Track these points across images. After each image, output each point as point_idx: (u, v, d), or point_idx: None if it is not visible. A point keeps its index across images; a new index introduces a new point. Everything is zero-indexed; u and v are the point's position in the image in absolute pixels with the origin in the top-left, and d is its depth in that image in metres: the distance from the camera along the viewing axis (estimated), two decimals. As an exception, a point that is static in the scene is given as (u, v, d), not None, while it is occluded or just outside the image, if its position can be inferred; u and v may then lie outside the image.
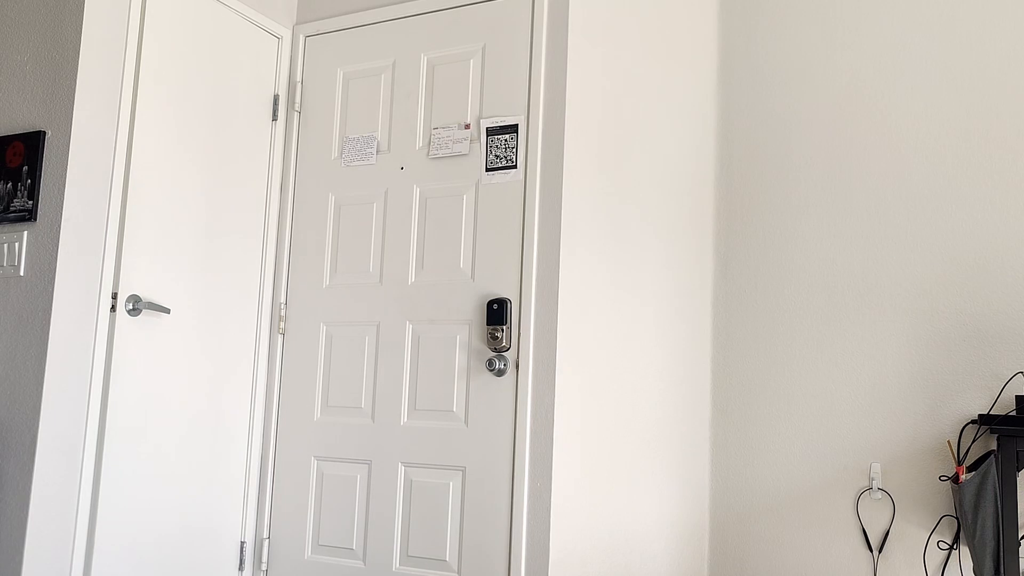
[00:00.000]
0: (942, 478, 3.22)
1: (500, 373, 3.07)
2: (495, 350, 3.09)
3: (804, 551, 3.44)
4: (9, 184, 3.04)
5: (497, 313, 3.09)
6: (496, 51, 3.28)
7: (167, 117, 3.29)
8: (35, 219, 2.97)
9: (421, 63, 3.44)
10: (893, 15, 3.55)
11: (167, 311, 3.22)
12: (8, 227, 3.03)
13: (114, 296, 3.08)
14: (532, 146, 3.15)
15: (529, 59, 3.22)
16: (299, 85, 3.72)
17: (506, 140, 3.18)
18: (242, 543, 3.49)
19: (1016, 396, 3.01)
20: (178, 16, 3.34)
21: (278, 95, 3.70)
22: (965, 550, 3.17)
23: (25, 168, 3.01)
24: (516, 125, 3.18)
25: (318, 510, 3.42)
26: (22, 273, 2.97)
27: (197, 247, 3.37)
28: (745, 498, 3.56)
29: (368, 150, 3.53)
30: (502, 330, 3.07)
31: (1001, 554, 2.88)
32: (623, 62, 3.42)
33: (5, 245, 3.02)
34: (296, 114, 3.71)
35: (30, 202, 2.98)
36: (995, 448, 2.99)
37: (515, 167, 3.16)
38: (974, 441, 3.15)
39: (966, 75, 3.39)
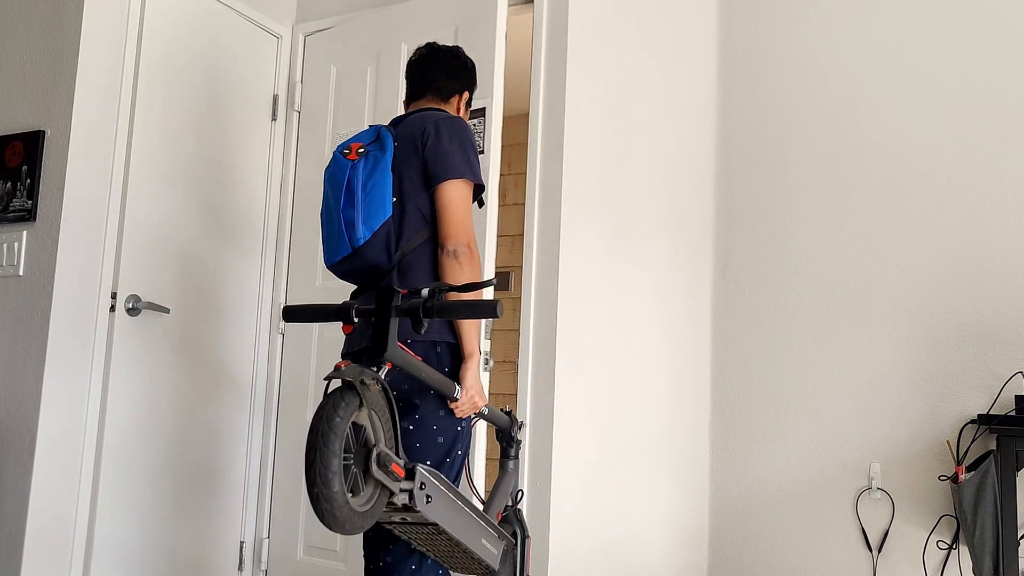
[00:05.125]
0: (941, 478, 3.22)
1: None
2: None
3: (804, 551, 3.43)
4: (8, 184, 3.04)
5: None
6: (466, 36, 3.22)
7: (166, 117, 3.29)
8: (34, 219, 2.97)
9: (401, 53, 3.42)
10: (893, 15, 3.54)
11: (167, 311, 3.22)
12: (8, 227, 3.03)
13: (113, 296, 3.08)
14: (532, 146, 3.15)
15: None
16: (299, 85, 3.72)
17: (474, 124, 3.12)
18: (241, 543, 3.49)
19: (1015, 396, 3.01)
20: (177, 16, 3.34)
21: (277, 95, 3.69)
22: (964, 550, 3.17)
23: (24, 168, 3.01)
24: (483, 109, 3.12)
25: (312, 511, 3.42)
26: (21, 273, 2.97)
27: (197, 247, 3.37)
28: (745, 498, 3.56)
29: None
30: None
31: (1000, 554, 2.88)
32: (623, 62, 3.41)
33: (4, 245, 3.02)
34: (296, 114, 3.71)
35: (29, 202, 2.98)
36: (994, 448, 2.99)
37: (482, 152, 3.09)
38: (973, 441, 3.14)
39: (965, 76, 3.39)
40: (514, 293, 5.69)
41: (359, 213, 2.12)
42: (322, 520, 1.64)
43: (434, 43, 2.49)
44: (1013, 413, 2.99)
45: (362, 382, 1.70)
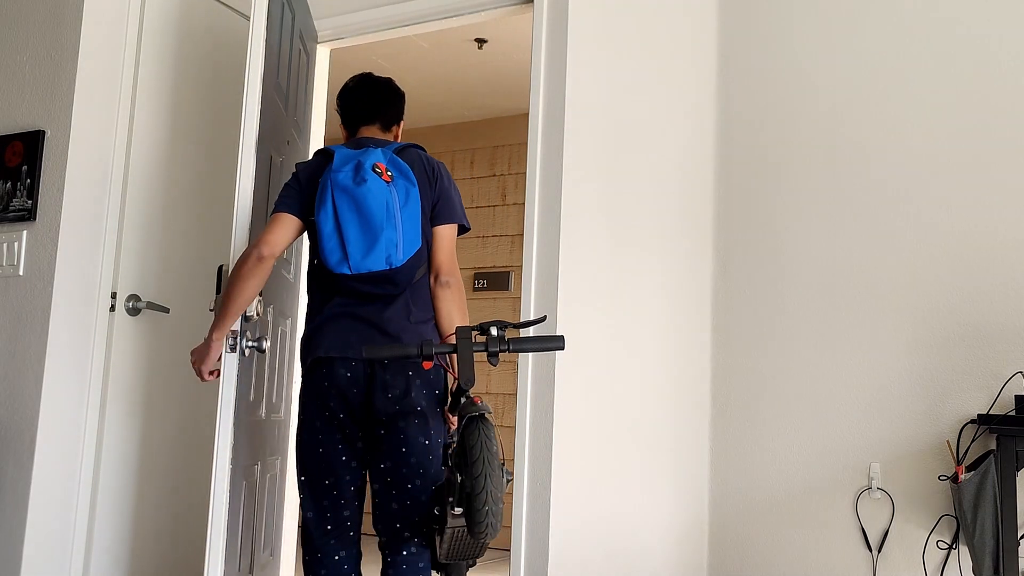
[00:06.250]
0: (941, 478, 3.22)
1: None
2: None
3: (803, 551, 3.43)
4: (8, 184, 3.04)
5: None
6: None
7: (166, 117, 3.29)
8: (34, 218, 2.97)
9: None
10: (893, 15, 3.55)
11: (166, 310, 3.22)
12: (7, 226, 3.03)
13: (113, 295, 3.08)
14: (532, 146, 3.15)
15: (530, 58, 3.21)
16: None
17: None
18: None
19: (1015, 396, 3.01)
20: (177, 16, 3.34)
21: (278, 95, 3.70)
22: (964, 550, 3.17)
23: (24, 168, 3.01)
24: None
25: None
26: (21, 272, 2.97)
27: (197, 247, 3.38)
28: (745, 498, 3.56)
29: None
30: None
31: (1000, 554, 2.88)
32: (623, 61, 3.42)
33: (4, 244, 3.02)
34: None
35: (29, 201, 2.98)
36: (994, 448, 2.99)
37: None
38: (973, 441, 3.14)
39: (966, 76, 3.39)
40: (514, 293, 5.69)
41: (400, 237, 2.36)
42: (484, 534, 1.88)
43: (370, 73, 2.71)
44: (1013, 413, 2.99)
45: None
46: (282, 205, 2.47)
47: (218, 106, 3.47)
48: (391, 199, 2.37)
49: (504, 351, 2.02)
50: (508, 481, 2.02)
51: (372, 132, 2.65)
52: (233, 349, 2.51)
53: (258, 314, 2.58)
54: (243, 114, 2.64)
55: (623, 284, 3.34)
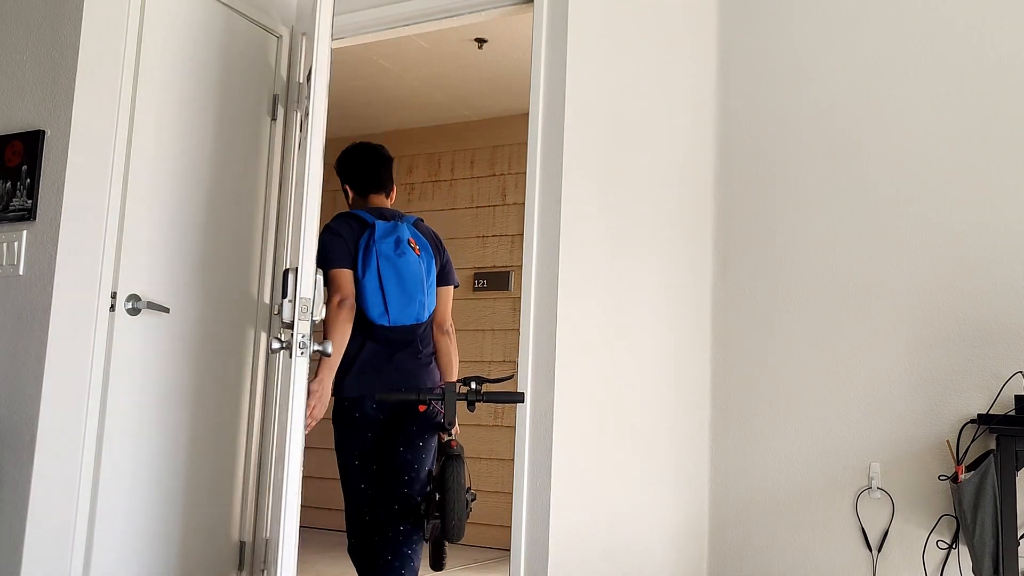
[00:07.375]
0: (941, 478, 3.22)
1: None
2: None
3: (803, 551, 3.43)
4: (8, 183, 3.04)
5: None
6: None
7: (166, 116, 3.29)
8: (34, 218, 2.97)
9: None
10: (892, 15, 3.55)
11: (167, 310, 3.22)
12: (7, 226, 3.03)
13: (113, 295, 3.08)
14: (532, 146, 3.15)
15: (530, 58, 3.21)
16: (298, 84, 3.72)
17: None
18: (242, 543, 3.49)
19: (1015, 396, 3.01)
20: (177, 15, 3.34)
21: (277, 95, 3.69)
22: (964, 549, 3.17)
23: (24, 167, 3.01)
24: None
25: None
26: (21, 272, 2.97)
27: (197, 246, 3.38)
28: (744, 498, 3.56)
29: None
30: None
31: (1000, 554, 2.88)
32: (623, 61, 3.42)
33: (4, 244, 3.02)
34: (296, 113, 3.71)
35: (29, 201, 2.98)
36: (994, 448, 2.99)
37: None
38: (973, 441, 3.14)
39: (965, 75, 3.39)
40: (514, 293, 5.69)
41: (427, 300, 3.10)
42: (454, 539, 2.80)
43: (368, 143, 3.26)
44: (1013, 413, 2.99)
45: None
46: (341, 262, 3.04)
47: (219, 105, 3.47)
48: (421, 271, 3.07)
49: (479, 400, 2.70)
50: (473, 499, 2.88)
51: (380, 200, 3.26)
52: (302, 353, 2.66)
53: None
54: (310, 123, 2.67)
55: (623, 283, 3.34)
